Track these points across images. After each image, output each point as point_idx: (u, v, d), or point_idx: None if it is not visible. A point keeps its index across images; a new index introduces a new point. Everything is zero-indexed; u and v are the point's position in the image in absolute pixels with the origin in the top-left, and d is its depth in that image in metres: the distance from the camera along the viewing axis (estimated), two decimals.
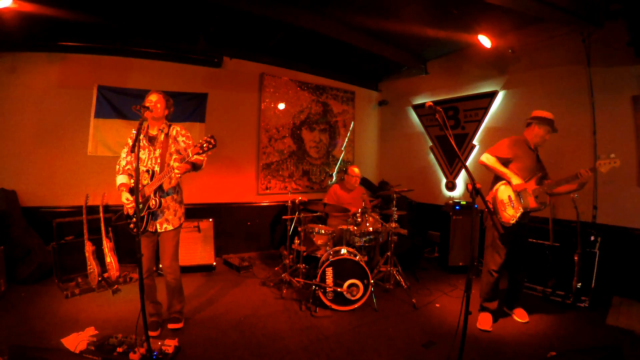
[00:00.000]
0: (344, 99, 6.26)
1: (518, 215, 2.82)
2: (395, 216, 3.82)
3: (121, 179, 2.65)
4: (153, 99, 2.61)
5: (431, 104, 2.09)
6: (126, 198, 2.54)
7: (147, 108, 2.42)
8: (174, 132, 2.67)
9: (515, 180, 2.82)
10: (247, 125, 5.26)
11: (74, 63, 4.12)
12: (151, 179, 2.52)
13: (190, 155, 2.37)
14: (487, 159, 2.97)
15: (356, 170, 4.44)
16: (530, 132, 2.97)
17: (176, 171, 2.41)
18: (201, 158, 2.60)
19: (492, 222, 2.49)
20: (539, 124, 2.91)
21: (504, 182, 2.91)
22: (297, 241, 3.69)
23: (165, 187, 2.62)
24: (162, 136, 2.63)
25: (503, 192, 2.89)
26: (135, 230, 2.25)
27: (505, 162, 2.94)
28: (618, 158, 2.59)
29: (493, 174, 3.03)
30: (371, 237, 3.68)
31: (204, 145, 2.31)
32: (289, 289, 3.69)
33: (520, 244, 3.01)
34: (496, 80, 4.83)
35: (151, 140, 2.64)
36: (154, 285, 2.80)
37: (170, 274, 2.74)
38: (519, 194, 2.83)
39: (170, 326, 2.69)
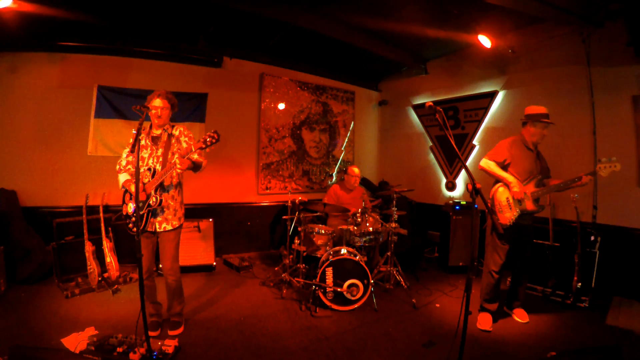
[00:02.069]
0: (344, 99, 6.26)
1: (515, 217, 2.83)
2: (395, 216, 3.82)
3: (124, 176, 2.67)
4: (158, 104, 2.59)
5: (431, 104, 2.09)
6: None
7: (148, 108, 2.41)
8: (177, 132, 2.68)
9: (515, 187, 2.81)
10: (247, 125, 5.26)
11: (74, 63, 4.11)
12: (152, 176, 2.52)
13: (193, 150, 2.42)
14: (487, 164, 2.96)
15: (356, 170, 4.44)
16: (527, 132, 2.95)
17: (178, 166, 2.41)
18: (201, 159, 2.63)
19: (492, 222, 2.50)
20: (533, 122, 2.90)
21: (502, 183, 2.92)
22: (297, 241, 3.69)
23: (166, 183, 2.62)
24: (166, 136, 2.64)
25: (502, 193, 2.90)
26: (134, 229, 2.25)
27: (504, 166, 2.93)
28: (619, 162, 2.56)
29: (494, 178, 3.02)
30: (371, 237, 3.68)
31: (207, 140, 2.35)
32: (289, 289, 3.69)
33: (524, 246, 3.00)
34: (496, 80, 4.83)
35: (154, 140, 2.65)
36: (154, 285, 2.80)
37: (170, 275, 2.74)
38: (520, 198, 2.83)
39: (171, 332, 2.69)
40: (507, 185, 2.87)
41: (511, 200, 2.85)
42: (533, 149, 2.95)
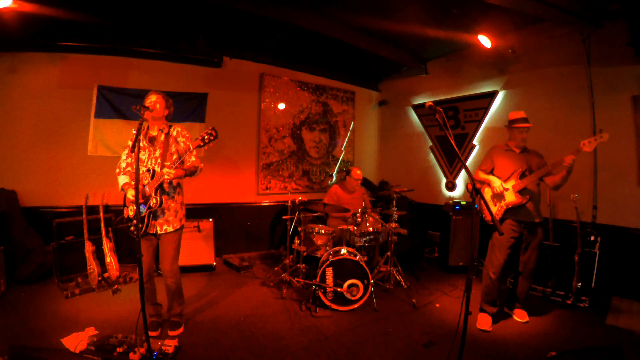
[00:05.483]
0: (344, 99, 6.26)
1: (501, 211, 2.96)
2: (395, 216, 3.82)
3: (123, 179, 2.65)
4: (152, 98, 2.62)
5: (431, 104, 2.09)
6: (132, 194, 2.53)
7: (147, 108, 2.41)
8: (175, 133, 2.68)
9: (493, 183, 3.01)
10: (247, 125, 5.26)
11: (74, 63, 4.11)
12: (152, 178, 2.52)
13: (192, 149, 2.44)
14: (476, 174, 3.21)
15: (359, 172, 4.44)
16: (510, 137, 3.14)
17: (165, 177, 2.41)
18: (197, 164, 2.63)
19: (493, 222, 2.50)
20: (509, 129, 3.10)
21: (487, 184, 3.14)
22: (297, 241, 3.69)
23: (166, 185, 2.62)
24: (163, 136, 2.63)
25: (487, 193, 3.11)
26: (135, 232, 2.25)
27: (490, 172, 3.14)
28: (606, 132, 2.59)
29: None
30: (371, 237, 3.68)
31: (205, 137, 2.35)
32: (289, 289, 3.69)
33: (528, 248, 2.99)
34: (496, 80, 4.83)
35: (151, 140, 2.64)
36: (154, 288, 2.80)
37: (170, 277, 2.73)
38: (498, 193, 2.99)
39: (171, 333, 2.68)
40: (489, 184, 3.08)
41: (495, 197, 3.03)
42: (517, 150, 3.07)
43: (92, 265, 3.54)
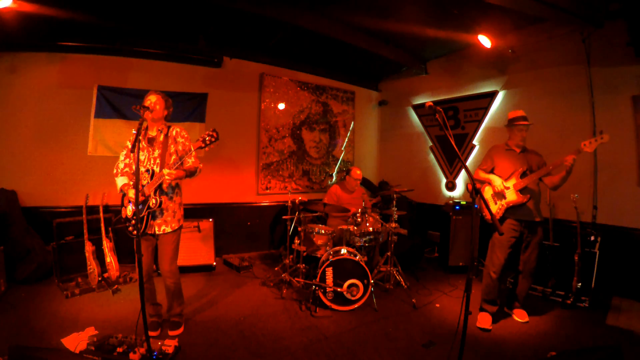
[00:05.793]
0: (344, 99, 6.26)
1: (502, 210, 2.98)
2: (395, 216, 3.82)
3: (121, 180, 2.65)
4: (152, 99, 2.61)
5: (431, 104, 2.09)
6: (133, 194, 2.53)
7: (147, 108, 2.41)
8: (174, 133, 2.67)
9: (494, 182, 3.02)
10: (247, 125, 5.26)
11: (74, 63, 4.11)
12: (151, 178, 2.52)
13: (192, 150, 2.45)
14: (477, 174, 3.22)
15: (358, 172, 4.44)
16: (509, 137, 3.14)
17: (166, 177, 2.41)
18: (196, 165, 2.63)
19: (493, 222, 2.51)
20: (509, 128, 3.10)
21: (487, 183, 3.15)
22: (297, 241, 3.69)
23: (165, 186, 2.61)
24: (162, 137, 2.63)
25: (487, 191, 3.13)
26: (134, 232, 2.25)
27: (491, 171, 3.15)
28: (607, 133, 2.59)
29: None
30: (371, 237, 3.69)
31: (206, 139, 2.35)
32: (289, 289, 3.69)
33: (528, 247, 3.00)
34: (496, 80, 4.83)
35: (150, 141, 2.63)
36: (154, 288, 2.80)
37: (169, 278, 2.73)
38: (499, 192, 3.00)
39: (171, 333, 2.68)
40: (489, 183, 3.09)
41: (495, 196, 3.05)
42: (517, 149, 3.08)
43: (92, 265, 3.54)
